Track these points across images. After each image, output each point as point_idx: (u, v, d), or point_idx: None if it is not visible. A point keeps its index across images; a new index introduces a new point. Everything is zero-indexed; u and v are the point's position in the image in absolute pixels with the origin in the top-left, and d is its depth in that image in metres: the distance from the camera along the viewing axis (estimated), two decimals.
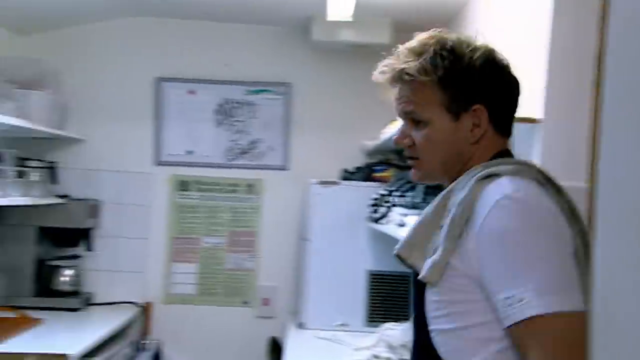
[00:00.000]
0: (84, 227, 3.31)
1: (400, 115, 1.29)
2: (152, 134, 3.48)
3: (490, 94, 1.23)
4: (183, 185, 3.50)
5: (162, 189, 3.48)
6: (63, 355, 2.47)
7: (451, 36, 1.24)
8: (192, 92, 3.51)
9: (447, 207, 1.18)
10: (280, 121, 3.52)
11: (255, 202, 3.51)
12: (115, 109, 3.46)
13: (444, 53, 1.21)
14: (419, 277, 1.16)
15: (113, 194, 3.44)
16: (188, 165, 3.49)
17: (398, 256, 1.23)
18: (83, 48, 3.43)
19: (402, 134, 1.29)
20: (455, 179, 1.22)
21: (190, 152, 3.50)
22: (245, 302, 3.46)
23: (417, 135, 1.26)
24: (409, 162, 1.30)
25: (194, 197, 3.49)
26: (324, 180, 3.15)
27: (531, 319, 1.04)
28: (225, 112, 3.52)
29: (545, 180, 1.18)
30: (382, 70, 1.26)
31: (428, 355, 1.18)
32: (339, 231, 3.10)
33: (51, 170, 3.24)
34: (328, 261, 3.10)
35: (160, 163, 3.49)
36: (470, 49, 1.22)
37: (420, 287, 1.18)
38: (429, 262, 1.15)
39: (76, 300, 3.22)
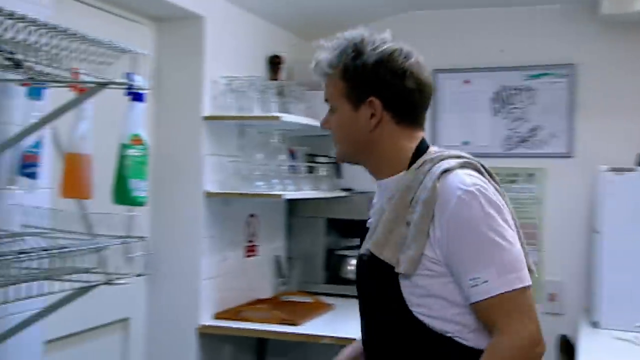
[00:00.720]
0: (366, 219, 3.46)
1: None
2: (428, 126, 3.50)
3: (382, 89, 1.38)
4: None
5: None
6: (353, 339, 2.60)
7: (364, 35, 1.40)
8: (467, 81, 3.46)
9: (407, 204, 1.33)
10: (564, 105, 3.30)
11: (536, 192, 3.34)
12: None
13: (349, 50, 1.39)
14: (399, 270, 1.30)
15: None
16: None
17: (370, 254, 1.35)
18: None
19: (324, 118, 1.49)
20: (375, 165, 1.43)
21: (466, 143, 3.46)
22: None
23: (331, 120, 1.45)
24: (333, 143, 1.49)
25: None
26: (616, 167, 2.88)
27: (496, 296, 1.25)
28: (503, 100, 3.41)
29: (482, 168, 1.39)
30: (312, 62, 1.45)
31: (389, 339, 1.36)
32: (637, 222, 2.80)
33: (336, 165, 3.45)
34: (625, 255, 2.82)
35: None
36: (372, 48, 1.38)
37: (391, 277, 1.32)
38: (405, 258, 1.30)
39: None
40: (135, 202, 1.73)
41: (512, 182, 3.38)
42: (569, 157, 3.30)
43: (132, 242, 1.64)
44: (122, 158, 1.69)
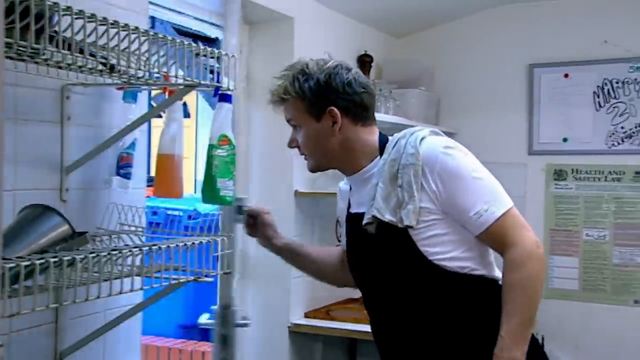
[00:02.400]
0: None
1: (289, 124, 1.68)
2: (525, 122, 3.38)
3: (336, 98, 1.61)
4: (559, 175, 3.32)
5: (536, 179, 3.36)
6: None
7: (306, 61, 1.64)
8: (566, 75, 3.30)
9: (395, 173, 1.56)
10: None
11: None
12: (486, 100, 3.46)
13: (299, 76, 1.61)
14: (403, 225, 1.52)
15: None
16: (564, 154, 3.30)
17: (374, 219, 1.56)
18: (453, 44, 3.50)
19: (290, 139, 1.69)
20: (347, 163, 1.65)
21: (566, 140, 3.31)
22: (637, 302, 3.13)
23: (298, 137, 1.66)
24: (304, 158, 1.70)
25: (572, 186, 3.29)
26: None
27: (499, 218, 1.52)
28: (606, 94, 3.23)
29: (441, 134, 1.64)
30: (269, 96, 1.67)
31: (414, 293, 1.57)
32: None
33: None
34: None
35: (534, 152, 3.37)
36: (318, 68, 1.62)
37: (404, 236, 1.53)
38: (406, 213, 1.52)
39: None
40: (223, 201, 1.76)
41: (617, 180, 3.20)
42: None
43: (219, 240, 1.67)
44: (210, 158, 1.73)
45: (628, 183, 3.18)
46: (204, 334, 3.70)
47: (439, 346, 1.58)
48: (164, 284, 1.53)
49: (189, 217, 3.81)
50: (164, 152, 1.75)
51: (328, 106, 1.61)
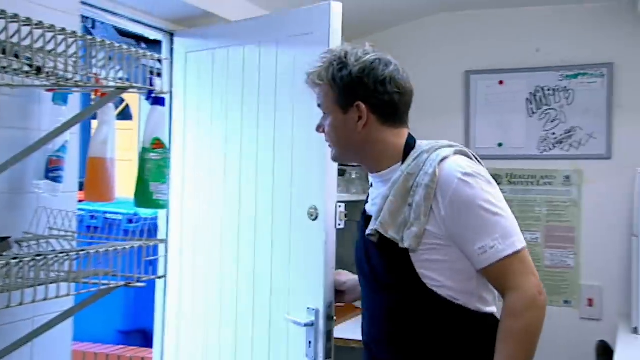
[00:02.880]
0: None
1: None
2: (462, 127, 3.46)
3: (366, 94, 1.57)
4: (494, 179, 3.40)
5: None
6: None
7: (347, 49, 1.61)
8: (501, 82, 3.40)
9: (408, 189, 1.52)
10: (601, 106, 3.21)
11: (573, 195, 3.26)
12: (424, 105, 3.46)
13: (335, 63, 1.59)
14: (403, 246, 1.49)
15: None
16: (499, 158, 3.39)
17: (377, 233, 1.53)
18: (391, 50, 3.47)
19: (319, 124, 1.68)
20: (368, 161, 1.63)
21: (501, 145, 3.40)
22: (567, 302, 3.23)
23: (325, 123, 1.65)
24: (327, 145, 1.69)
25: (506, 190, 3.38)
26: None
27: (503, 259, 1.46)
28: (538, 101, 3.33)
29: (470, 154, 1.61)
30: (305, 76, 1.66)
31: (402, 311, 1.55)
32: None
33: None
34: None
35: None
36: (355, 60, 1.58)
37: (402, 254, 1.50)
38: (409, 234, 1.49)
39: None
40: (156, 205, 1.75)
41: (548, 184, 3.31)
42: (607, 158, 3.21)
43: (152, 245, 1.66)
44: (142, 162, 1.72)
45: (558, 187, 3.29)
46: (144, 340, 3.65)
47: None
48: (92, 289, 1.51)
49: (130, 221, 3.75)
50: (95, 156, 1.73)
51: (356, 100, 1.58)
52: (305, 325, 2.07)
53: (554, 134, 3.31)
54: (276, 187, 2.28)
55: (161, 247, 1.71)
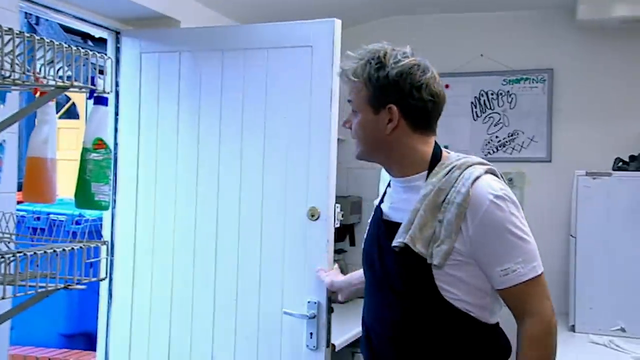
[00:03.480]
0: (347, 223, 3.46)
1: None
2: None
3: (401, 98, 1.57)
4: None
5: None
6: (333, 345, 2.59)
7: (387, 49, 1.60)
8: (447, 86, 3.46)
9: (439, 205, 1.53)
10: (542, 110, 3.31)
11: (516, 196, 3.34)
12: None
13: (372, 62, 1.58)
14: (431, 262, 1.52)
15: (375, 191, 3.53)
16: None
17: (405, 245, 1.54)
18: (345, 51, 3.57)
19: (347, 119, 1.67)
20: (392, 163, 1.63)
21: (446, 147, 3.43)
22: None
23: (354, 120, 1.64)
24: (353, 140, 1.68)
25: None
26: (592, 171, 2.89)
27: (525, 282, 1.50)
28: (482, 104, 3.41)
29: (498, 173, 1.62)
30: (339, 69, 1.69)
31: (418, 321, 1.57)
32: (612, 227, 2.82)
33: None
34: (600, 260, 2.84)
35: None
36: (394, 61, 1.57)
37: (424, 267, 1.53)
38: (439, 251, 1.51)
39: None
40: (98, 206, 1.72)
41: None
42: (547, 161, 3.31)
43: (93, 247, 1.63)
44: (84, 162, 1.68)
45: None
46: (87, 343, 3.58)
47: None
48: (29, 292, 1.47)
49: (76, 222, 3.68)
50: (34, 155, 1.68)
51: (389, 103, 1.57)
52: (309, 317, 2.20)
53: (497, 137, 3.40)
54: (266, 189, 2.35)
55: (104, 248, 1.68)
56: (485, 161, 1.63)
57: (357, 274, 2.00)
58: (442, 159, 1.61)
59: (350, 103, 1.66)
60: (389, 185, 1.72)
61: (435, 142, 1.65)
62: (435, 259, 1.52)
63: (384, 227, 1.64)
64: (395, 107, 1.57)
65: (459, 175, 1.54)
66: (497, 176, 1.60)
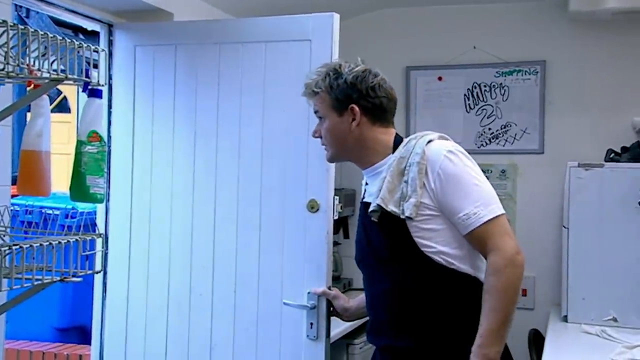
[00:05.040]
0: (341, 216, 3.46)
1: (316, 116, 1.92)
2: (403, 122, 3.51)
3: (360, 99, 1.82)
4: None
5: None
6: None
7: (341, 62, 1.88)
8: (440, 78, 3.47)
9: (402, 170, 1.74)
10: (535, 102, 3.32)
11: (508, 188, 3.37)
12: None
13: (331, 73, 1.85)
14: (404, 215, 1.71)
15: None
16: None
17: (379, 208, 1.74)
18: (339, 44, 3.57)
19: (315, 129, 1.92)
20: (362, 157, 1.86)
21: None
22: None
23: (322, 128, 1.89)
24: (324, 148, 1.94)
25: None
26: (585, 162, 2.90)
27: (485, 223, 1.67)
28: (475, 96, 3.42)
29: (449, 139, 1.84)
30: (302, 88, 1.91)
31: (403, 279, 1.76)
32: (605, 218, 2.83)
33: None
34: (592, 250, 2.86)
35: None
36: (348, 70, 1.84)
37: (401, 225, 1.72)
38: (408, 205, 1.71)
39: (337, 285, 3.39)
40: (93, 199, 1.72)
41: (486, 178, 3.40)
42: (540, 153, 3.33)
43: (89, 239, 1.63)
44: (78, 155, 1.68)
45: (495, 181, 3.38)
46: (82, 336, 3.58)
47: (413, 329, 1.76)
48: (25, 285, 1.47)
49: (68, 216, 3.67)
50: (28, 149, 1.68)
51: (350, 104, 1.82)
52: (310, 308, 2.24)
53: (490, 129, 3.41)
54: (265, 182, 2.37)
55: (99, 241, 1.68)
56: (435, 133, 1.84)
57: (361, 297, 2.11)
58: (402, 142, 1.82)
59: (316, 114, 1.89)
60: (366, 183, 1.92)
61: (396, 133, 1.87)
62: (406, 212, 1.70)
63: (364, 210, 1.84)
64: (357, 106, 1.81)
65: (415, 143, 1.77)
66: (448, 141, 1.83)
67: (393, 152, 1.80)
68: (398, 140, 1.83)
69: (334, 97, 1.83)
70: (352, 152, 1.87)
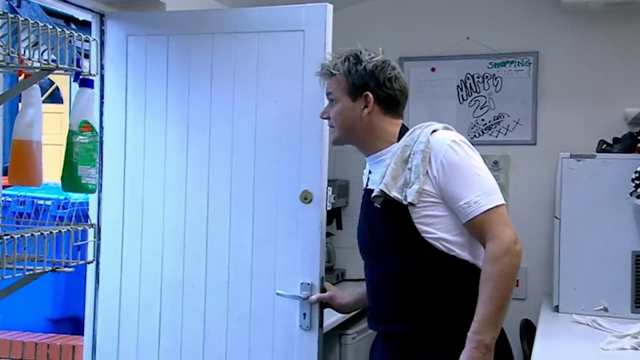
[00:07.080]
0: (335, 207, 3.47)
1: (327, 97, 1.96)
2: None
3: (376, 87, 1.85)
4: None
5: None
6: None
7: (361, 49, 1.90)
8: (433, 69, 3.47)
9: (406, 158, 1.77)
10: (527, 93, 3.33)
11: (501, 179, 3.37)
12: None
13: (350, 58, 1.88)
14: (406, 201, 1.74)
15: (360, 174, 3.54)
16: None
17: (382, 193, 1.77)
18: (333, 34, 3.56)
19: (324, 110, 1.97)
20: (367, 144, 1.89)
21: None
22: None
23: (331, 110, 1.92)
24: (329, 129, 2.00)
25: None
26: (577, 153, 2.91)
27: (485, 212, 1.70)
28: (468, 87, 3.43)
29: (454, 130, 1.88)
30: (319, 68, 1.97)
31: (403, 264, 1.80)
32: (596, 209, 2.85)
33: None
34: (584, 241, 2.87)
35: None
36: (369, 57, 1.87)
37: (403, 211, 1.75)
38: (411, 192, 1.74)
39: (330, 276, 3.40)
40: (85, 189, 1.72)
41: None
42: (532, 144, 3.33)
43: (81, 230, 1.63)
44: (70, 145, 1.68)
45: None
46: (75, 327, 3.58)
47: (413, 314, 1.79)
48: (17, 275, 1.47)
49: (60, 207, 3.66)
50: (20, 138, 1.67)
51: (366, 91, 1.85)
52: (303, 298, 2.24)
53: (483, 120, 3.41)
54: (258, 173, 2.36)
55: (91, 231, 1.68)
56: (443, 124, 1.87)
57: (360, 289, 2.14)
58: (408, 132, 1.86)
59: (328, 95, 1.92)
60: (369, 172, 1.94)
61: (402, 123, 1.90)
62: (409, 197, 1.73)
63: (367, 196, 1.87)
64: (371, 94, 1.84)
65: (420, 132, 1.80)
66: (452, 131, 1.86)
67: (398, 141, 1.83)
68: (403, 131, 1.87)
69: (351, 82, 1.86)
70: (358, 137, 1.90)
